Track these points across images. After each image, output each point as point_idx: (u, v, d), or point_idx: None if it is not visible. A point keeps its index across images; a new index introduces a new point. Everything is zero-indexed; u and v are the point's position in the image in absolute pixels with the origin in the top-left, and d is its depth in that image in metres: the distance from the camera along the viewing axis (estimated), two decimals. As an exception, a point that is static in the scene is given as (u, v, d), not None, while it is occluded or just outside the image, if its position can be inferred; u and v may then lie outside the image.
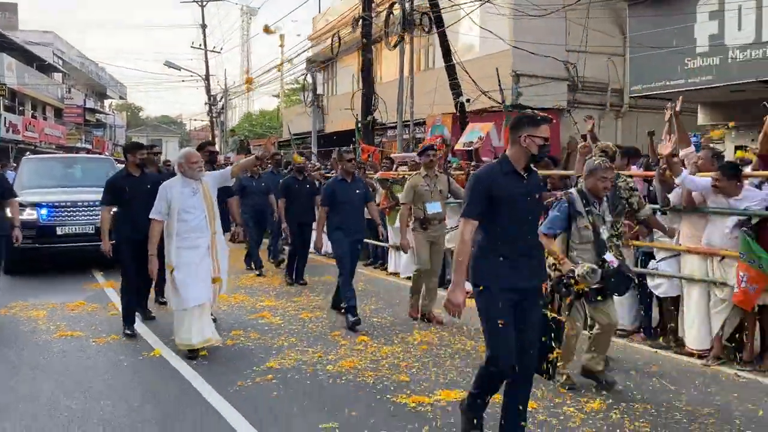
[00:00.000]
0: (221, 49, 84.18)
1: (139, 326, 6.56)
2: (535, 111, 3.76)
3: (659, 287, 6.19)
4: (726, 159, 6.88)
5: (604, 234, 4.77)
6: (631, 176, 6.20)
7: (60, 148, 34.29)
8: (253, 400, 4.59)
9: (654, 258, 6.26)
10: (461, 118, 11.26)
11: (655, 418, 4.25)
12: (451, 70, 11.10)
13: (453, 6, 11.84)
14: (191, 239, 5.45)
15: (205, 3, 31.79)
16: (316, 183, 9.82)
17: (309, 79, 21.39)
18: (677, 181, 5.73)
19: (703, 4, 9.16)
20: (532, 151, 3.48)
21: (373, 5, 12.52)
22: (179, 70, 30.77)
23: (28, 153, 22.19)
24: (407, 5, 12.05)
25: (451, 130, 11.46)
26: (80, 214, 9.88)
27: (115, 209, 6.65)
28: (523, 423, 3.61)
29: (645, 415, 4.31)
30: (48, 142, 34.37)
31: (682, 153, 5.86)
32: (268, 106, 69.48)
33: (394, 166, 10.66)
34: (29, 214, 9.56)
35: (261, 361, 5.44)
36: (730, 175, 5.47)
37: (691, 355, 5.76)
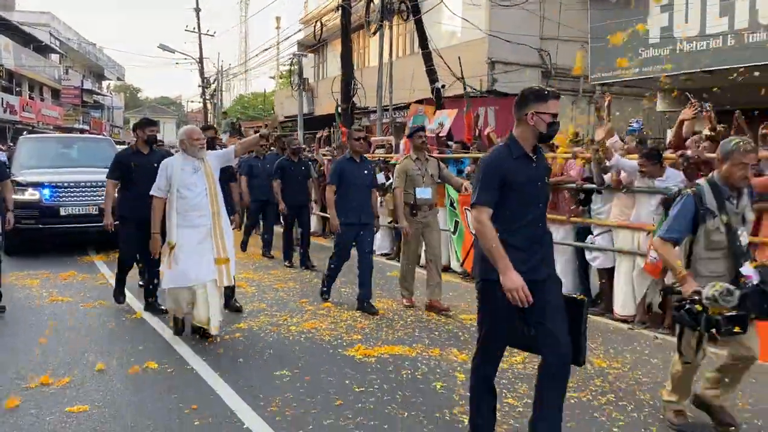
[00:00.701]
0: (214, 33, 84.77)
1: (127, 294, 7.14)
2: (541, 86, 3.34)
3: (596, 260, 6.84)
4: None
5: (744, 238, 3.71)
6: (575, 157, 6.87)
7: (57, 128, 34.77)
8: (218, 352, 5.23)
9: (591, 233, 6.90)
10: (437, 104, 11.81)
11: (582, 379, 4.84)
12: (427, 56, 11.64)
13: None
14: (191, 218, 5.33)
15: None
16: (311, 165, 9.84)
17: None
18: (610, 163, 6.36)
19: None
20: (541, 130, 3.22)
21: (353, -6, 13.11)
22: (173, 53, 31.19)
23: (25, 132, 22.63)
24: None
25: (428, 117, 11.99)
26: (83, 194, 9.75)
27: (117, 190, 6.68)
28: (559, 419, 3.29)
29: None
30: (45, 123, 34.85)
31: (608, 142, 6.46)
32: (268, 86, 69.83)
33: (372, 148, 11.21)
34: (31, 195, 9.50)
35: (232, 323, 6.06)
36: (653, 159, 6.09)
37: (619, 320, 6.42)
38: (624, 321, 6.39)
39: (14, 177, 9.31)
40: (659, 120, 11.22)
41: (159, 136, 7.25)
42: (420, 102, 11.98)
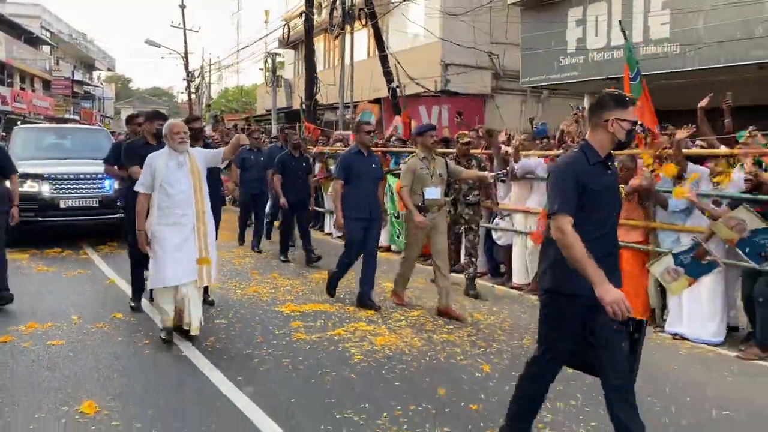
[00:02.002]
0: (199, 28, 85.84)
1: (100, 262, 8.32)
2: (620, 92, 3.25)
3: (500, 238, 8.10)
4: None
5: None
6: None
7: (48, 118, 35.75)
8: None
9: (497, 216, 8.16)
10: (393, 103, 13.05)
11: (457, 327, 6.05)
12: (384, 59, 12.87)
13: (389, 3, 13.60)
14: (174, 216, 5.21)
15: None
16: (311, 160, 9.87)
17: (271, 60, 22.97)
18: (517, 165, 7.61)
19: (571, 14, 11.01)
20: (620, 137, 3.09)
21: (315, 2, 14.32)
22: (158, 47, 32.27)
23: (19, 122, 23.48)
24: (348, 2, 13.77)
25: (384, 114, 13.27)
26: (83, 186, 9.59)
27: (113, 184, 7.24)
28: None
29: (452, 323, 6.15)
30: (36, 113, 35.80)
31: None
32: (258, 79, 70.63)
33: (330, 141, 12.42)
34: (30, 186, 9.31)
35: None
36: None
37: (516, 288, 7.69)
38: (519, 289, 7.67)
39: None
40: (586, 120, 12.36)
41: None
42: (378, 101, 13.20)
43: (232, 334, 5.61)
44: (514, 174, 7.65)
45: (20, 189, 8.38)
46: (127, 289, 7.09)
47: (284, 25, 17.51)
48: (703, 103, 6.25)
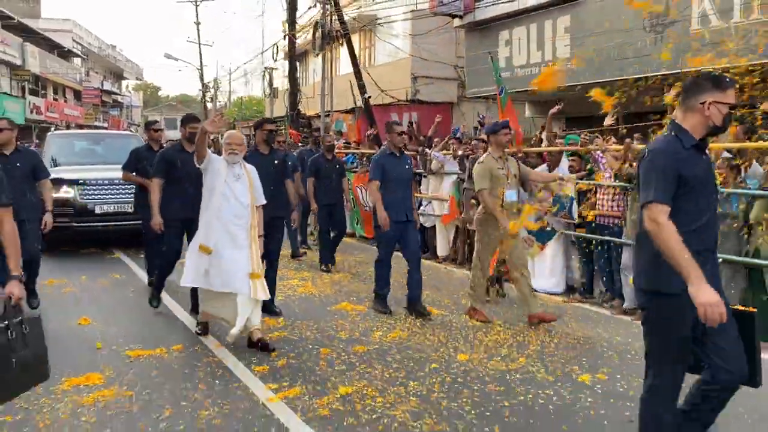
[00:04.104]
0: (213, 43, 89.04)
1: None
2: (721, 74, 3.05)
3: (426, 221, 10.06)
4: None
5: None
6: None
7: (78, 126, 38.47)
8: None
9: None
10: (367, 112, 15.07)
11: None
12: (358, 74, 14.87)
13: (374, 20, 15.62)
14: (231, 226, 5.13)
15: (198, 3, 35.72)
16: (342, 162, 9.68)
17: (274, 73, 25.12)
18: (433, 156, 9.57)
19: (501, 36, 12.98)
20: (716, 122, 2.88)
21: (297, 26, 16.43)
22: (177, 60, 34.81)
23: (53, 128, 25.66)
24: (328, 23, 15.81)
25: (360, 121, 15.31)
26: (118, 192, 9.53)
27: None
28: None
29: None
30: (67, 122, 38.58)
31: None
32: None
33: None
34: (65, 192, 9.32)
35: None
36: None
37: (439, 261, 9.63)
38: (441, 262, 9.61)
39: None
40: (528, 124, 14.25)
41: (172, 134, 8.83)
42: (352, 110, 15.26)
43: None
44: (430, 168, 9.61)
45: (55, 194, 8.40)
46: (127, 258, 9.16)
47: (273, 45, 19.67)
48: (554, 110, 8.16)
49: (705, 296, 2.66)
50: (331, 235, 9.01)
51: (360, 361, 5.03)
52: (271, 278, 6.06)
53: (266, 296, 5.28)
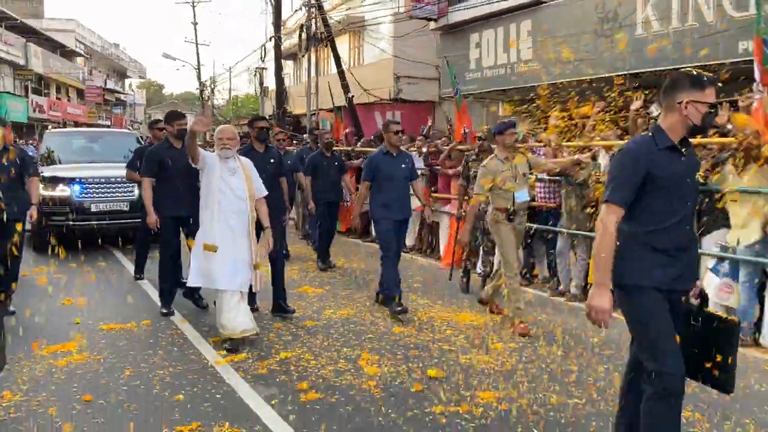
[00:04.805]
0: (209, 43, 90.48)
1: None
2: (699, 72, 2.95)
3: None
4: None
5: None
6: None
7: (80, 125, 39.20)
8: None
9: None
10: (351, 110, 15.75)
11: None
12: (341, 74, 15.54)
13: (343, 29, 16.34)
14: (228, 219, 5.16)
15: (195, 3, 36.50)
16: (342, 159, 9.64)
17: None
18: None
19: (472, 39, 13.65)
20: (694, 121, 2.86)
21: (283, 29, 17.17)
22: (174, 60, 35.56)
23: (50, 127, 26.22)
24: (313, 26, 16.52)
25: (344, 118, 15.99)
26: (114, 190, 9.56)
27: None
28: None
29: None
30: (70, 120, 39.33)
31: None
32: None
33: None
34: (62, 191, 9.32)
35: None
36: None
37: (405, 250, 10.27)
38: (408, 251, 10.24)
39: (43, 173, 9.28)
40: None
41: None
42: (339, 108, 15.90)
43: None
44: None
45: (52, 193, 9.03)
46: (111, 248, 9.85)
47: (261, 46, 20.44)
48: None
49: (598, 301, 2.83)
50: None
51: (306, 333, 5.72)
52: (278, 272, 6.23)
53: (260, 287, 5.49)
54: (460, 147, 8.91)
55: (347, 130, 12.53)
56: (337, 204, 9.03)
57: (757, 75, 5.21)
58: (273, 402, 4.18)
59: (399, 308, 6.16)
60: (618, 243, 2.88)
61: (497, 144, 5.98)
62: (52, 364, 4.87)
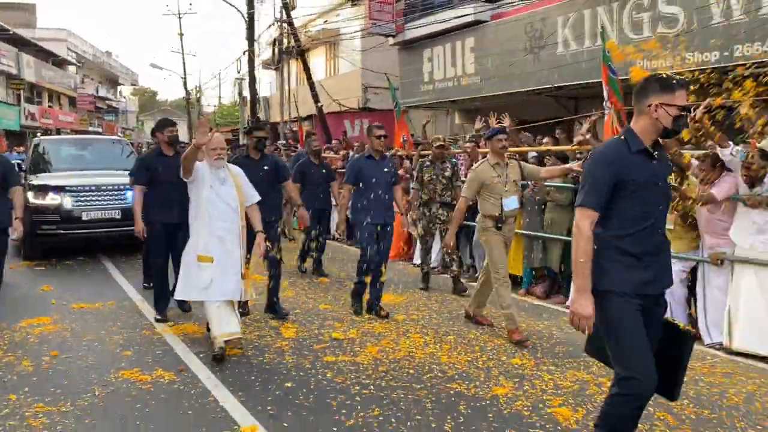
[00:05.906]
0: (196, 53, 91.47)
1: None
2: (669, 74, 2.91)
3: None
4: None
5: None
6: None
7: (72, 132, 40.03)
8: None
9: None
10: (321, 119, 16.91)
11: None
12: (311, 85, 16.69)
13: (313, 41, 17.58)
14: (218, 229, 5.12)
15: (181, 15, 37.67)
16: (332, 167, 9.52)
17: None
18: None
19: (425, 54, 14.89)
20: (665, 124, 2.83)
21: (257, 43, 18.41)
22: (161, 69, 36.66)
23: (38, 134, 26.81)
24: (285, 41, 17.71)
25: (315, 126, 17.15)
26: (105, 198, 9.40)
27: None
28: None
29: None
30: (62, 128, 40.25)
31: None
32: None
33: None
34: (52, 199, 9.19)
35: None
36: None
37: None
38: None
39: (32, 181, 9.46)
40: (459, 128, 16.09)
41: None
42: (309, 117, 17.09)
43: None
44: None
45: (42, 201, 9.00)
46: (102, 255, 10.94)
47: (244, 52, 21.61)
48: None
49: (580, 307, 2.85)
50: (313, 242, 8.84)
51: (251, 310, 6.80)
52: (274, 277, 6.43)
53: (253, 296, 5.70)
54: (399, 153, 10.05)
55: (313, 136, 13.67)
56: (326, 212, 9.02)
57: (605, 94, 6.36)
58: (201, 355, 5.30)
59: (356, 305, 6.63)
60: (595, 251, 2.89)
61: (489, 150, 5.96)
62: (29, 332, 5.97)
